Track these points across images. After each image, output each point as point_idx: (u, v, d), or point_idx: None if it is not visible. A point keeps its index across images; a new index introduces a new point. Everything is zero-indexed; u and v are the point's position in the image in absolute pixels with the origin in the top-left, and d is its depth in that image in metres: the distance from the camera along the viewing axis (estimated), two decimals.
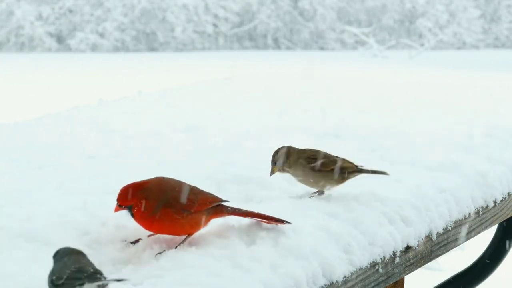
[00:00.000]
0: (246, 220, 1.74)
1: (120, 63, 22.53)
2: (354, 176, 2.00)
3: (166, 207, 1.64)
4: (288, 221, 1.71)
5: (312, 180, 1.97)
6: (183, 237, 1.65)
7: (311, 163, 1.96)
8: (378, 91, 4.15)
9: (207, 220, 1.68)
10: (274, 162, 1.99)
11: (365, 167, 2.01)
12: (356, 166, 2.00)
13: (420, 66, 21.14)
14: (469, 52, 30.78)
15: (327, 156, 1.99)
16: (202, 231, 1.68)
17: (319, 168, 1.95)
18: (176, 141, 2.71)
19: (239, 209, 1.72)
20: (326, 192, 2.00)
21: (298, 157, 1.98)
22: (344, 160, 1.99)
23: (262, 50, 30.89)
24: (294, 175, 2.00)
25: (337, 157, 2.00)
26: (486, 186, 2.34)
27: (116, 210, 1.68)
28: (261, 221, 1.73)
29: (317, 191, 2.00)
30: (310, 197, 1.97)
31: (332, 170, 1.96)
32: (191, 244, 1.62)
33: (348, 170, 1.98)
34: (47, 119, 3.11)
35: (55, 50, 28.98)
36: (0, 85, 15.28)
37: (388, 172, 2.04)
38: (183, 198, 1.66)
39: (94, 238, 1.64)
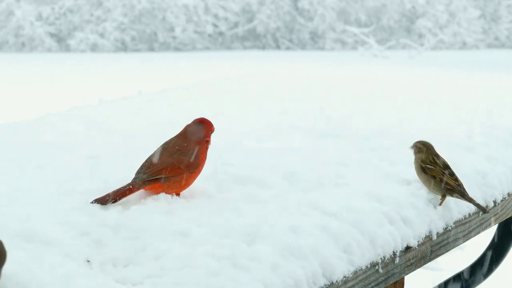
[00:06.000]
0: (247, 220, 1.74)
1: (120, 63, 22.53)
2: (455, 196, 2.09)
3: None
4: None
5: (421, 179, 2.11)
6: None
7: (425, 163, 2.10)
8: (378, 91, 4.15)
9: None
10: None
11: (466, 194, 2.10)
12: (459, 186, 2.09)
13: (420, 66, 21.14)
14: (469, 52, 30.78)
15: (437, 164, 2.10)
16: (202, 231, 1.68)
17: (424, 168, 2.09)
18: None
19: None
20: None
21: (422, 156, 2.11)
22: (450, 178, 2.08)
23: (262, 50, 30.88)
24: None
25: (446, 170, 2.09)
26: (486, 186, 2.34)
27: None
28: None
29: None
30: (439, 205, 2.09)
31: (434, 177, 2.07)
32: (191, 244, 1.62)
33: (448, 187, 2.08)
34: (47, 119, 3.10)
35: (55, 50, 28.98)
36: (0, 85, 15.29)
37: (487, 210, 2.19)
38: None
39: (94, 238, 1.64)
